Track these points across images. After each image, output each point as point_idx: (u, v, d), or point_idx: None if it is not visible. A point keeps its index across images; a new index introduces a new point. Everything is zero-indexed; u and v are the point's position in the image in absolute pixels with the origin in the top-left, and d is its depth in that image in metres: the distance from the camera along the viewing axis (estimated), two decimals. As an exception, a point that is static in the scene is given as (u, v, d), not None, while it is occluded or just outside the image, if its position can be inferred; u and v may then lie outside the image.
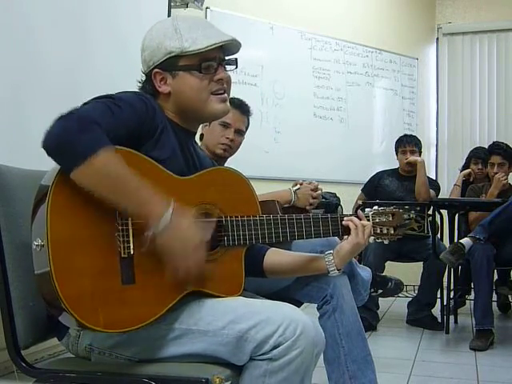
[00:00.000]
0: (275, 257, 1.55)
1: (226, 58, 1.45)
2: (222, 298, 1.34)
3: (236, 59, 1.47)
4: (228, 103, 1.46)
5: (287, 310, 1.29)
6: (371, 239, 1.56)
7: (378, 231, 1.57)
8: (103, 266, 1.19)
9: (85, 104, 1.23)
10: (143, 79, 1.46)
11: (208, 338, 1.26)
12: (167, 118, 1.42)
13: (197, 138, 2.38)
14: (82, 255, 1.17)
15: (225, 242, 1.37)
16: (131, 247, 1.21)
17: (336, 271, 1.56)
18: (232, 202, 1.40)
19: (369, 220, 1.56)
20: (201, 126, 2.40)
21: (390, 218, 1.58)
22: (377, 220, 1.57)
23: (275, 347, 1.22)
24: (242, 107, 2.32)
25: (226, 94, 1.45)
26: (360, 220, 1.53)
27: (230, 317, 1.26)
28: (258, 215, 1.41)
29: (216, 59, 1.42)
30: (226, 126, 2.29)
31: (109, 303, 1.19)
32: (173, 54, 1.39)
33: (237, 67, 1.48)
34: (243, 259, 1.42)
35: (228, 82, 1.45)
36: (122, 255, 1.20)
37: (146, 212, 1.19)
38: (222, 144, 2.29)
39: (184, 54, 1.39)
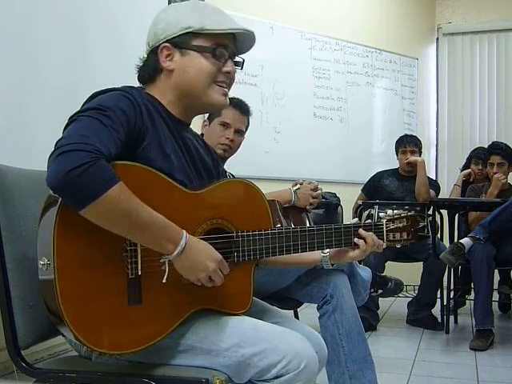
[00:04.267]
0: None
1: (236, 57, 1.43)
2: (231, 317, 1.31)
3: (243, 61, 1.45)
4: (228, 99, 1.43)
5: (294, 341, 1.28)
6: (383, 245, 1.52)
7: (391, 238, 1.53)
8: (110, 287, 1.17)
9: (72, 121, 1.16)
10: (145, 56, 1.40)
11: (210, 358, 1.25)
12: (161, 107, 1.36)
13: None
14: (89, 276, 1.15)
15: (234, 258, 1.33)
16: (139, 268, 1.18)
17: (330, 266, 1.56)
18: (244, 215, 1.36)
19: (382, 227, 1.52)
20: (201, 125, 2.42)
21: (405, 223, 1.54)
22: (391, 226, 1.53)
23: (277, 377, 1.22)
24: (241, 107, 2.32)
25: (227, 89, 1.41)
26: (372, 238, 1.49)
27: (235, 339, 1.25)
28: (270, 229, 1.37)
29: (229, 49, 1.39)
30: (225, 126, 2.29)
31: (114, 325, 1.17)
32: (190, 30, 1.34)
33: (242, 69, 1.45)
34: (252, 275, 1.39)
35: (232, 78, 1.42)
36: (130, 276, 1.18)
37: (159, 245, 1.17)
38: (222, 144, 2.29)
39: (201, 33, 1.34)
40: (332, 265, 1.55)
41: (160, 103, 1.37)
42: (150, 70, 1.39)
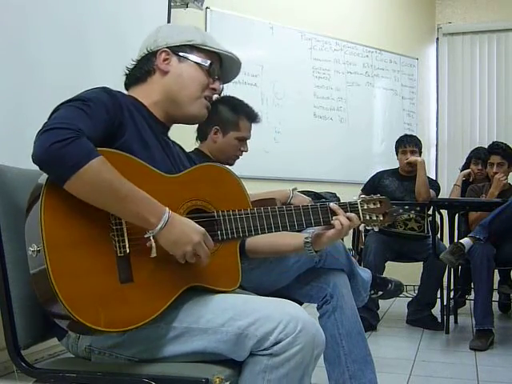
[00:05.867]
0: (256, 237, 1.55)
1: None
2: (222, 295, 1.34)
3: (223, 88, 1.54)
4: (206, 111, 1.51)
5: (287, 306, 1.30)
6: (361, 227, 1.58)
7: (368, 217, 1.58)
8: (100, 266, 1.19)
9: (56, 110, 1.23)
10: (141, 58, 1.48)
11: (208, 336, 1.26)
12: (143, 108, 1.42)
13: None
14: (79, 256, 1.17)
15: (219, 237, 1.37)
16: (126, 246, 1.21)
17: (314, 253, 1.59)
18: (222, 196, 1.41)
19: (357, 206, 1.57)
20: (211, 134, 2.36)
21: (378, 205, 1.61)
22: (365, 207, 1.59)
23: (276, 343, 1.22)
24: (256, 119, 2.35)
25: (209, 104, 1.50)
26: (348, 216, 1.53)
27: (229, 314, 1.26)
28: (249, 208, 1.42)
29: (219, 71, 1.49)
30: (243, 140, 2.33)
31: (108, 303, 1.18)
32: (192, 43, 1.45)
33: (220, 95, 1.56)
34: (238, 252, 1.44)
35: (212, 98, 1.51)
36: (118, 254, 1.21)
37: (143, 218, 1.19)
38: (237, 156, 2.35)
39: (201, 48, 1.45)
40: (316, 251, 1.58)
41: (142, 105, 1.44)
42: (143, 70, 1.46)
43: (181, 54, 1.44)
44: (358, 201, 1.59)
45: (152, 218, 1.19)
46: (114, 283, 1.20)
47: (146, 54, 1.47)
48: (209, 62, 1.46)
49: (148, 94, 1.45)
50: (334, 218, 1.52)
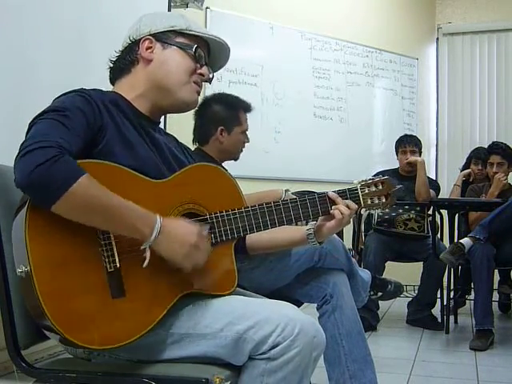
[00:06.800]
0: (256, 233, 1.49)
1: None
2: (219, 298, 1.32)
3: (212, 77, 1.48)
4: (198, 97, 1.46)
5: (285, 309, 1.28)
6: (363, 211, 1.53)
7: (369, 202, 1.52)
8: (91, 283, 1.16)
9: (32, 125, 1.19)
10: (124, 48, 1.44)
11: (207, 341, 1.25)
12: (126, 104, 1.37)
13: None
14: (68, 275, 1.14)
15: (212, 240, 1.33)
16: (116, 260, 1.18)
17: (317, 244, 1.53)
18: (216, 197, 1.36)
19: (357, 192, 1.51)
20: (218, 133, 2.35)
21: (380, 187, 1.54)
22: (366, 191, 1.52)
23: (273, 347, 1.21)
24: (251, 109, 2.38)
25: (200, 89, 1.45)
26: (347, 204, 1.47)
27: (227, 318, 1.25)
28: (242, 207, 1.37)
29: (205, 56, 1.44)
30: (245, 132, 2.36)
31: (102, 320, 1.16)
32: (176, 28, 1.40)
33: (210, 83, 1.51)
34: (233, 253, 1.39)
35: (204, 81, 1.45)
36: (109, 269, 1.18)
37: (135, 231, 1.17)
38: (241, 149, 2.40)
39: (185, 33, 1.40)
40: (319, 243, 1.53)
41: (125, 99, 1.39)
42: (126, 60, 1.41)
43: (164, 40, 1.39)
44: (358, 186, 1.52)
45: (145, 229, 1.16)
46: (107, 300, 1.17)
47: (128, 44, 1.42)
48: (194, 46, 1.40)
49: (132, 86, 1.40)
50: (333, 207, 1.46)
